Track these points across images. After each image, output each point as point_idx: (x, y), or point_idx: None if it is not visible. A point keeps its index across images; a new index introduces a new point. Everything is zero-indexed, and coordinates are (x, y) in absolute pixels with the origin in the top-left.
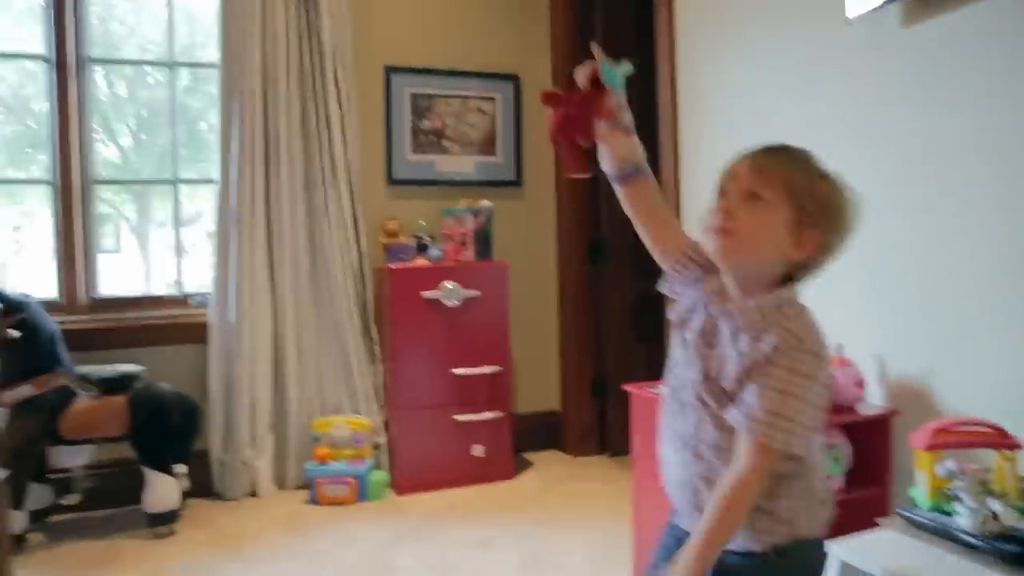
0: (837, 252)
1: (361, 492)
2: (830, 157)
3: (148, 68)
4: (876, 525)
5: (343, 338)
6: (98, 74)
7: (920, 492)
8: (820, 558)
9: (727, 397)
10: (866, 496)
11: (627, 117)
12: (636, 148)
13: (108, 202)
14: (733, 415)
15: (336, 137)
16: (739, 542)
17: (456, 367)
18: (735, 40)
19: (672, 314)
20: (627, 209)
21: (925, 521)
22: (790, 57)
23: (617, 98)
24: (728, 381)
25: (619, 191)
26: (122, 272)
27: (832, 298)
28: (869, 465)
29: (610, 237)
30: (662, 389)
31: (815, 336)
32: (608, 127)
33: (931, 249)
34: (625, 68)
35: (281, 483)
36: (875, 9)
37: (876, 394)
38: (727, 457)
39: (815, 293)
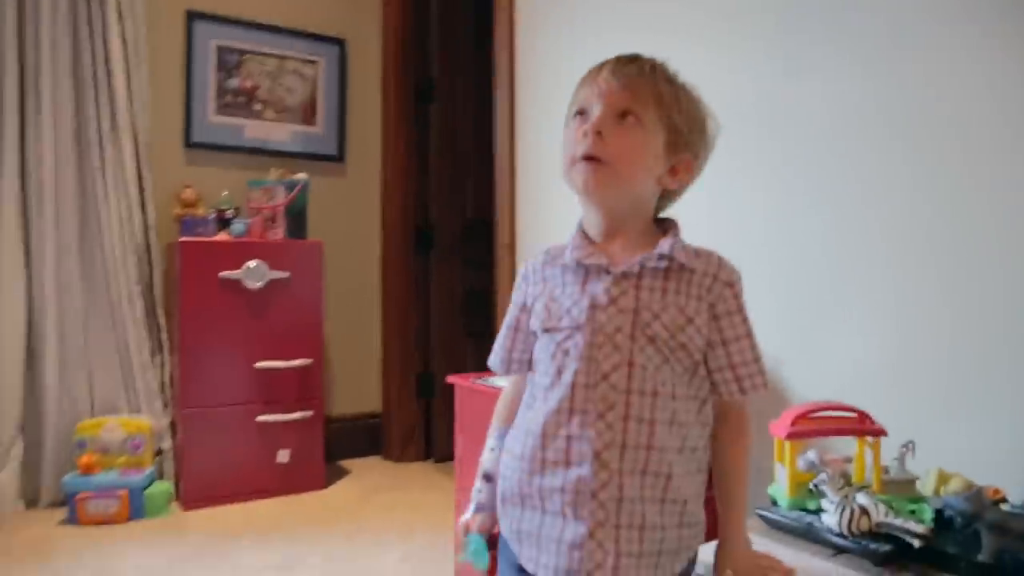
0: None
1: (136, 508)
2: None
3: None
4: None
5: (121, 324)
6: None
7: (780, 489)
8: None
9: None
10: None
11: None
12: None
13: None
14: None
15: (119, 85)
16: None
17: (259, 360)
18: (574, 12)
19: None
20: None
21: (787, 521)
22: (627, 31)
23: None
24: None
25: None
26: None
27: None
28: None
29: (438, 226)
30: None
31: None
32: None
33: (783, 232)
34: (475, 544)
35: (32, 501)
36: None
37: None
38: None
39: None
